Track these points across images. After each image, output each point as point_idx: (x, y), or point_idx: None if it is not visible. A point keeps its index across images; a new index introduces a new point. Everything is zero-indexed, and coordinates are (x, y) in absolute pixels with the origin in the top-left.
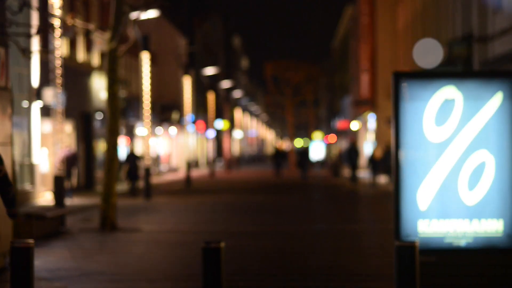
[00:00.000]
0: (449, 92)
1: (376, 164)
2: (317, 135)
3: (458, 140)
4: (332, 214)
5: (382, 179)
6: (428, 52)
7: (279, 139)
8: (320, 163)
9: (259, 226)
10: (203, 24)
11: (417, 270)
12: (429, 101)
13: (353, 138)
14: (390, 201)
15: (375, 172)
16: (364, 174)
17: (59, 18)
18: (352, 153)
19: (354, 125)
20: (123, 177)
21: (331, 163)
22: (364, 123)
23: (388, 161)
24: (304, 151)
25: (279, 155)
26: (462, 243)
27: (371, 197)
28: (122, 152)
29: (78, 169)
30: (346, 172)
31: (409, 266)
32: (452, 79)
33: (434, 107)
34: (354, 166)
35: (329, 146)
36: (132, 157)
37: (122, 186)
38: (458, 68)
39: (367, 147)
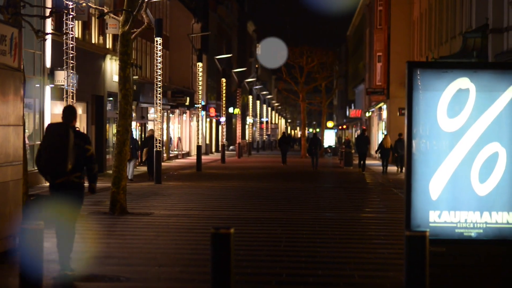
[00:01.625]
0: (462, 83)
1: (385, 152)
2: (330, 123)
3: (470, 131)
4: (341, 202)
5: (392, 167)
6: (273, 52)
7: (291, 126)
8: (332, 151)
9: (269, 213)
10: (218, 8)
11: (427, 260)
12: (442, 92)
13: (363, 127)
14: (400, 190)
15: (384, 161)
16: (374, 162)
17: (73, 0)
18: (362, 141)
19: (367, 114)
20: (143, 159)
21: (341, 151)
22: (377, 112)
23: (398, 150)
24: (314, 138)
25: (285, 141)
26: (473, 234)
27: (381, 186)
28: (138, 136)
29: None
30: (356, 160)
31: (419, 256)
32: (466, 70)
33: (448, 98)
34: (363, 154)
35: (340, 134)
36: (152, 141)
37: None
38: (472, 59)
39: (380, 136)
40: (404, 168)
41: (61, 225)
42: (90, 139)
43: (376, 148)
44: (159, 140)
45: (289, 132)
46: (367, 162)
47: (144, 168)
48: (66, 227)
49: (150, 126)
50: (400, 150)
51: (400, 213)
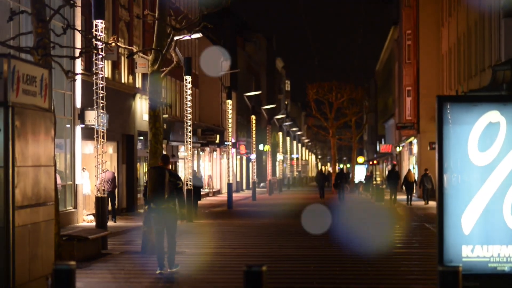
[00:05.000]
0: (493, 116)
1: (409, 185)
2: (360, 158)
3: (502, 164)
4: (373, 238)
5: (419, 202)
6: (213, 61)
7: (321, 162)
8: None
9: (301, 249)
10: (246, 45)
11: None
12: (473, 125)
13: (394, 162)
14: (432, 225)
15: (409, 194)
16: (404, 197)
17: (102, 40)
18: (393, 176)
19: (397, 149)
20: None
21: (372, 186)
22: (408, 147)
23: (424, 184)
24: (340, 173)
25: (322, 178)
26: (506, 268)
27: (413, 220)
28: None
29: (118, 191)
30: (387, 195)
31: None
32: (496, 103)
33: (478, 131)
34: (394, 188)
35: (371, 169)
36: (196, 180)
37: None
38: (502, 92)
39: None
40: (430, 201)
41: (166, 236)
42: (180, 176)
43: (402, 182)
44: (189, 177)
45: (319, 168)
46: (398, 197)
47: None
48: (170, 238)
49: (180, 164)
50: (426, 184)
51: (433, 248)
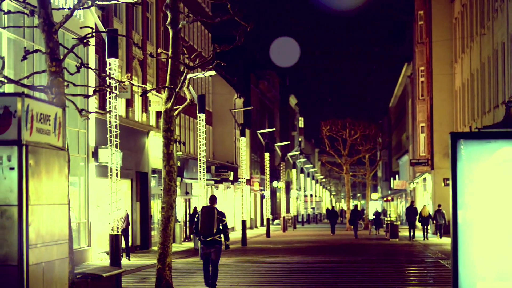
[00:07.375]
0: (507, 152)
1: (425, 220)
2: (374, 195)
3: None
4: (388, 275)
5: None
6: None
7: (335, 198)
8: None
9: (316, 287)
10: (260, 83)
11: None
12: (487, 162)
13: (408, 198)
14: (447, 261)
15: (425, 228)
16: (419, 233)
17: (116, 78)
18: (411, 212)
19: (411, 185)
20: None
21: (387, 224)
22: (422, 183)
23: (437, 219)
24: (355, 210)
25: (334, 214)
26: None
27: (428, 257)
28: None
29: (132, 229)
30: (402, 232)
31: None
32: (509, 139)
33: (492, 168)
34: (412, 223)
35: (385, 206)
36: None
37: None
38: None
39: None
40: (443, 236)
41: (211, 265)
42: (225, 214)
43: (418, 217)
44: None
45: (333, 204)
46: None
47: (190, 244)
48: (214, 266)
49: (194, 201)
50: (439, 220)
51: (448, 285)
